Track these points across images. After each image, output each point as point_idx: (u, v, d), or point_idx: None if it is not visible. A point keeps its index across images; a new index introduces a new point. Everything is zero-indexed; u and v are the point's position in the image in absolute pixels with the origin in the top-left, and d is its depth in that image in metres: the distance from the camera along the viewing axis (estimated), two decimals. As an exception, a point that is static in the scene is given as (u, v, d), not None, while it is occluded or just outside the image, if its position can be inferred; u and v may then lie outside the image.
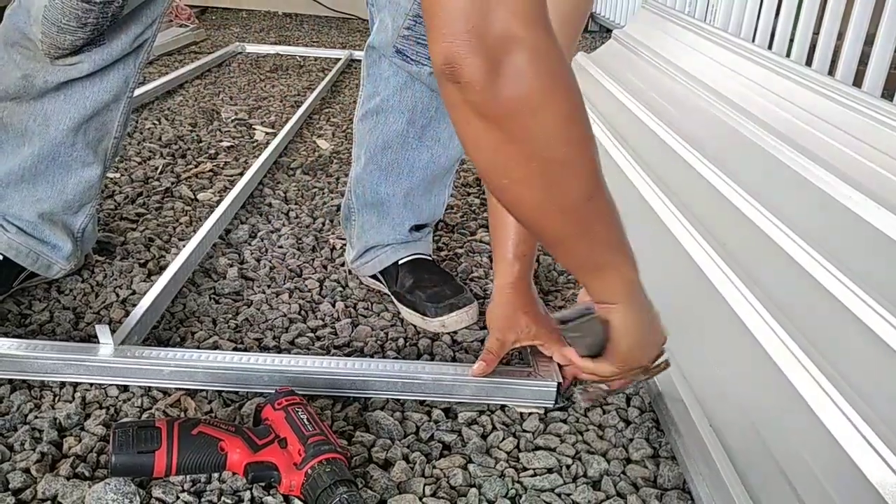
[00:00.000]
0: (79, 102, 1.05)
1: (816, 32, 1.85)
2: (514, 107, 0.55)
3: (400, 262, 1.18)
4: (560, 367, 0.95)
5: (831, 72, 1.73)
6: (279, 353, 1.04)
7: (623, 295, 0.75)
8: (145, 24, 1.04)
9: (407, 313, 1.14)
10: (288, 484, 0.76)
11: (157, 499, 0.76)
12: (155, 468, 0.76)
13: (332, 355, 1.04)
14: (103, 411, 0.89)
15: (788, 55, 1.91)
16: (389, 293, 1.19)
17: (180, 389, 0.93)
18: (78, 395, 0.91)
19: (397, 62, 1.07)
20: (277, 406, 0.82)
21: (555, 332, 0.93)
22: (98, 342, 0.94)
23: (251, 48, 3.21)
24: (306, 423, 0.79)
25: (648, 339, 0.81)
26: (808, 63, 1.81)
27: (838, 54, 1.71)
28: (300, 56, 3.18)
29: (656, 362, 0.86)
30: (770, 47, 1.99)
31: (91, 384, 0.93)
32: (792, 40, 1.94)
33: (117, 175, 1.65)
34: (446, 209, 1.24)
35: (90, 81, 1.04)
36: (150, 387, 0.93)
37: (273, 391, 0.85)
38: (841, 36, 1.76)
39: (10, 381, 0.93)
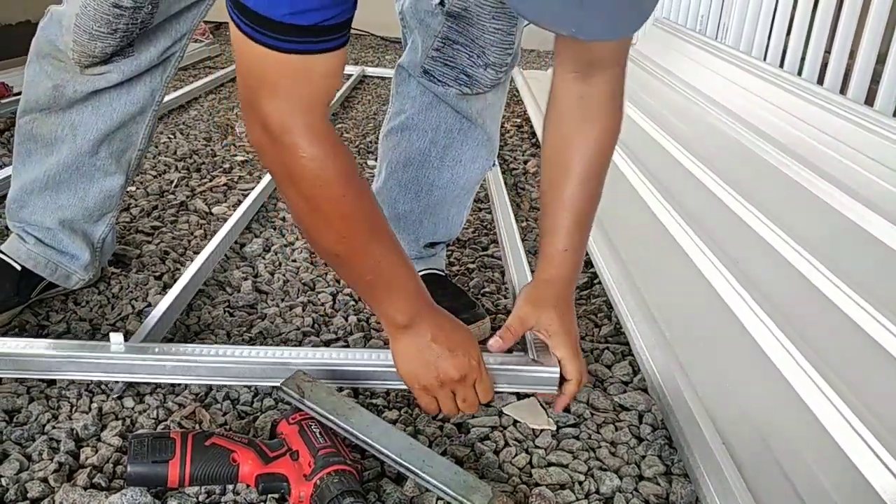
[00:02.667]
0: (106, 113, 1.07)
1: (828, 51, 1.86)
2: (274, 169, 0.77)
3: (412, 279, 1.18)
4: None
5: (843, 90, 1.74)
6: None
7: (391, 331, 0.86)
8: (174, 38, 1.06)
9: (419, 328, 1.14)
10: (297, 495, 0.77)
11: (172, 510, 0.77)
12: (169, 478, 0.77)
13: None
14: (119, 422, 0.90)
15: (800, 73, 1.92)
16: (402, 308, 1.19)
17: (195, 401, 0.94)
18: (94, 405, 0.92)
19: (424, 82, 1.09)
20: (292, 421, 0.83)
21: (573, 341, 0.94)
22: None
23: (265, 63, 3.23)
24: (318, 436, 0.80)
25: (418, 364, 0.85)
26: (820, 82, 1.81)
27: (850, 73, 1.71)
28: (313, 71, 3.21)
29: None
30: (782, 66, 1.99)
31: (106, 395, 0.94)
32: (804, 58, 1.95)
33: (133, 188, 1.67)
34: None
35: (118, 93, 1.06)
36: (164, 396, 0.94)
37: (278, 384, 0.87)
38: (853, 54, 1.76)
39: (28, 390, 0.94)
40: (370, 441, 0.81)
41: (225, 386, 0.97)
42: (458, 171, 1.15)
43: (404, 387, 0.90)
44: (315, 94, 0.73)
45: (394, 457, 0.80)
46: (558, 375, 0.92)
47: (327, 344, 1.11)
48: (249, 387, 0.97)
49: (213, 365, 0.95)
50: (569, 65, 0.88)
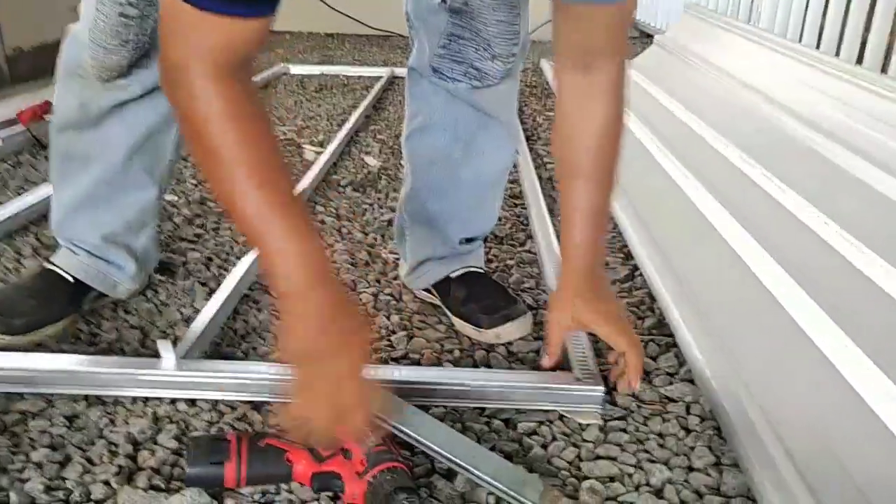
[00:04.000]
0: (133, 125, 1.10)
1: (867, 29, 1.82)
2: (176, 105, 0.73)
3: (452, 276, 1.19)
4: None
5: (884, 69, 1.70)
6: (338, 366, 1.06)
7: (284, 303, 0.76)
8: None
9: (461, 325, 1.15)
10: (351, 492, 0.78)
11: (229, 509, 0.79)
12: (225, 479, 0.79)
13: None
14: (174, 426, 0.92)
15: (837, 54, 1.88)
16: (443, 306, 1.20)
17: (246, 403, 0.96)
18: (149, 410, 0.95)
19: (435, 80, 1.10)
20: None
21: (613, 317, 0.96)
22: (160, 357, 0.98)
23: (296, 69, 3.28)
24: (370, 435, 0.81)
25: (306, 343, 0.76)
26: (859, 62, 1.78)
27: (891, 51, 1.67)
28: (344, 75, 3.24)
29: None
30: (818, 47, 1.96)
31: (160, 399, 0.97)
32: (841, 39, 1.91)
33: (175, 198, 1.70)
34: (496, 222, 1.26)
35: (142, 104, 1.09)
36: (216, 401, 0.96)
37: None
38: (893, 32, 1.72)
39: (86, 397, 0.97)
40: (420, 437, 0.82)
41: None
42: (483, 163, 1.16)
43: (447, 403, 0.93)
44: (229, 49, 0.69)
45: (444, 453, 0.81)
46: (602, 394, 0.94)
47: (371, 343, 1.13)
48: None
49: (264, 382, 0.96)
50: (569, 58, 0.90)
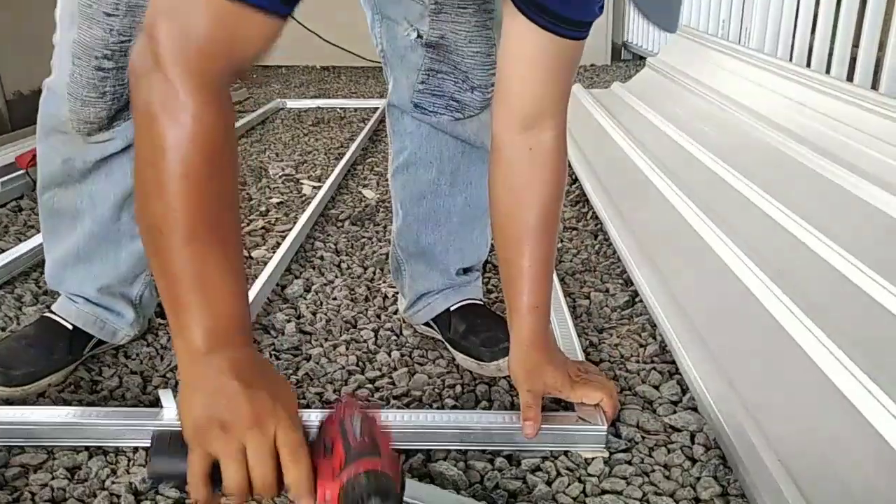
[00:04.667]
0: (119, 179, 1.10)
1: (856, 45, 1.83)
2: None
3: (452, 309, 1.19)
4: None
5: (874, 85, 1.71)
6: (340, 406, 1.06)
7: (183, 357, 0.67)
8: None
9: (462, 359, 1.15)
10: (323, 494, 0.65)
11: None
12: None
13: (392, 406, 1.06)
14: (176, 474, 0.92)
15: (828, 72, 1.89)
16: (443, 339, 1.20)
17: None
18: (151, 458, 0.94)
19: (417, 115, 1.11)
20: (336, 414, 0.71)
21: (578, 380, 0.95)
22: (161, 406, 0.97)
23: (292, 103, 3.31)
24: (358, 430, 0.68)
25: (201, 400, 0.65)
26: (850, 78, 1.79)
27: (880, 66, 1.69)
28: (340, 108, 3.27)
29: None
30: (808, 65, 1.97)
31: (162, 447, 0.96)
32: (831, 56, 1.92)
33: (174, 238, 1.71)
34: (491, 250, 1.26)
35: (126, 157, 1.08)
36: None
37: None
38: (882, 46, 1.73)
39: (87, 447, 0.96)
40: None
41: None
42: (471, 192, 1.17)
43: (452, 447, 0.91)
44: (227, 46, 0.63)
45: None
46: (605, 433, 0.93)
47: (372, 381, 1.12)
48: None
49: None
50: (516, 117, 0.87)
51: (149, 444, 0.71)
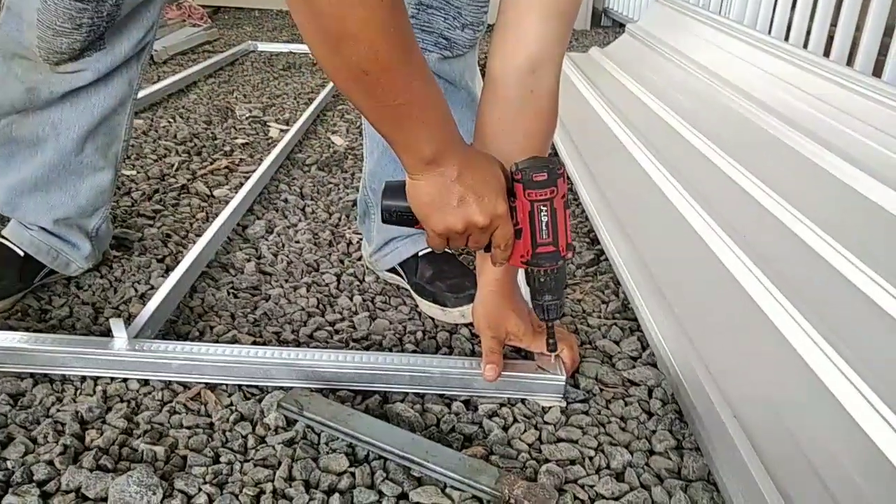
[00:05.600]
0: (86, 110, 1.05)
1: (834, 24, 1.83)
2: None
3: (420, 254, 1.17)
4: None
5: (850, 63, 1.72)
6: (297, 346, 1.04)
7: (413, 166, 0.76)
8: (146, 28, 1.03)
9: (426, 306, 1.14)
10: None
11: (179, 490, 0.76)
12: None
13: (351, 349, 1.04)
14: (124, 405, 0.89)
15: (805, 47, 1.89)
16: (408, 286, 1.18)
17: (199, 383, 0.93)
18: (99, 388, 0.92)
19: None
20: (528, 196, 0.79)
21: (539, 331, 0.95)
22: (112, 336, 0.94)
23: (263, 46, 3.21)
24: (544, 227, 0.80)
25: (440, 206, 0.77)
26: (826, 54, 1.79)
27: (857, 45, 1.69)
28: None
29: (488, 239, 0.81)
30: (787, 39, 1.97)
31: (111, 378, 0.94)
32: (809, 32, 1.92)
33: (133, 172, 1.65)
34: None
35: (95, 89, 1.04)
36: (169, 380, 0.94)
37: (283, 385, 0.86)
38: (859, 27, 1.73)
39: (32, 374, 0.93)
40: (373, 440, 0.81)
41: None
42: None
43: (410, 390, 0.91)
44: None
45: (398, 451, 0.80)
46: (563, 383, 0.93)
47: (332, 324, 1.11)
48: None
49: (219, 364, 0.93)
50: (522, 57, 0.84)
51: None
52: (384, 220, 0.82)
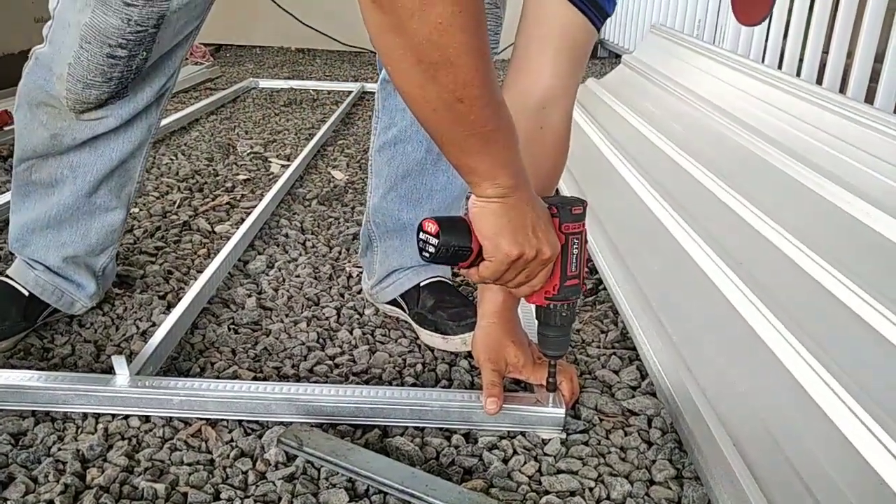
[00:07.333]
0: (105, 155, 1.08)
1: (826, 51, 1.86)
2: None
3: (422, 285, 1.18)
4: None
5: (842, 90, 1.74)
6: (298, 381, 1.04)
7: (486, 191, 0.76)
8: (167, 75, 1.06)
9: (427, 336, 1.14)
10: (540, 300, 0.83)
11: (179, 528, 0.76)
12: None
13: (351, 382, 1.04)
14: (125, 442, 0.89)
15: (798, 75, 1.92)
16: (409, 317, 1.19)
17: (200, 419, 0.94)
18: (101, 426, 0.92)
19: None
20: (564, 229, 0.81)
21: (539, 363, 0.95)
22: (114, 373, 0.95)
23: (265, 83, 3.26)
24: (575, 260, 0.81)
25: (509, 233, 0.76)
26: (819, 82, 1.81)
27: (848, 72, 1.71)
28: (313, 90, 3.23)
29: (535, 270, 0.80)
30: (780, 67, 2.00)
31: (112, 415, 0.94)
32: (801, 60, 1.95)
33: (136, 210, 1.67)
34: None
35: (115, 134, 1.06)
36: (170, 417, 0.94)
37: (284, 421, 0.86)
38: (850, 54, 1.76)
39: (34, 412, 0.94)
40: (373, 475, 0.81)
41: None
42: (453, 172, 1.15)
43: (410, 424, 0.92)
44: None
45: (398, 485, 0.79)
46: (563, 416, 0.93)
47: (332, 357, 1.11)
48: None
49: (220, 400, 0.94)
50: (533, 94, 0.86)
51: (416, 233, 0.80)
52: (432, 259, 0.78)
